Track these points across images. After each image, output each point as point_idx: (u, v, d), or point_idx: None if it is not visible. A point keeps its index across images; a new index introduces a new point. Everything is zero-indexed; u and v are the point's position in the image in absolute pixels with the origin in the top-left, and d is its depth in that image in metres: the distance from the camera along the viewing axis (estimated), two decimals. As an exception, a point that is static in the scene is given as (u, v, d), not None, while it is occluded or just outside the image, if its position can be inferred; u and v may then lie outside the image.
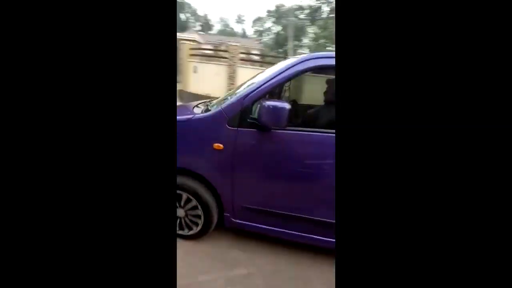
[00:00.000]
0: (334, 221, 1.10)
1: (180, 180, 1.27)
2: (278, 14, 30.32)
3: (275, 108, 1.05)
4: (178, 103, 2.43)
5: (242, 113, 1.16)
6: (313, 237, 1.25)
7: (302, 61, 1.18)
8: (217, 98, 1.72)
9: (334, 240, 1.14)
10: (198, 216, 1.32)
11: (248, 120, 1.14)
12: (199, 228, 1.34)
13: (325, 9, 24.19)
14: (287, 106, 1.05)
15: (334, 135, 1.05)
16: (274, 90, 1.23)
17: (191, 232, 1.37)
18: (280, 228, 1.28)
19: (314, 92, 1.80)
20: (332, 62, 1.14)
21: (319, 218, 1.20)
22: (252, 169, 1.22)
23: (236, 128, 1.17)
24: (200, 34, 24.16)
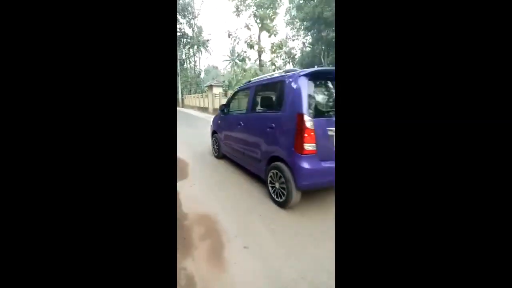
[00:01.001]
0: (251, 154, 2.61)
1: (214, 134, 3.98)
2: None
3: (220, 106, 3.77)
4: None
5: (221, 110, 3.65)
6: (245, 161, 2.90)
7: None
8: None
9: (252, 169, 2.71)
10: (216, 146, 3.91)
11: (223, 111, 3.60)
12: (217, 153, 3.91)
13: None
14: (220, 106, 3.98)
15: (243, 114, 2.97)
16: (228, 102, 3.65)
17: (215, 154, 3.97)
18: (235, 155, 3.19)
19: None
20: (244, 86, 3.30)
21: (242, 150, 2.85)
22: (224, 129, 3.54)
23: (221, 115, 3.66)
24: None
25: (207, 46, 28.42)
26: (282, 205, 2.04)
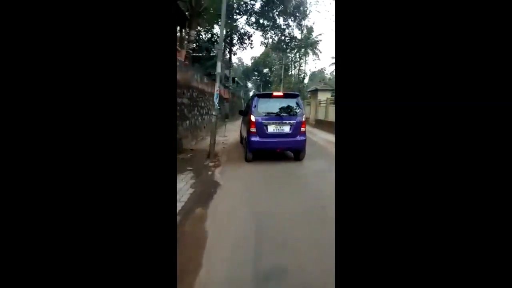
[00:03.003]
0: (243, 136, 5.42)
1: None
2: None
3: (239, 111, 6.29)
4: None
5: (239, 113, 6.01)
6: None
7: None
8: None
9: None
10: (239, 136, 6.77)
11: (241, 114, 5.96)
12: (240, 140, 6.57)
13: None
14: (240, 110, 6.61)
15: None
16: (244, 108, 6.60)
17: (239, 140, 6.66)
18: (242, 138, 5.83)
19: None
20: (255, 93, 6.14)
21: (242, 135, 5.76)
22: (242, 124, 5.95)
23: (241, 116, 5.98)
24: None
25: (315, 48, 25.80)
26: (246, 160, 4.41)
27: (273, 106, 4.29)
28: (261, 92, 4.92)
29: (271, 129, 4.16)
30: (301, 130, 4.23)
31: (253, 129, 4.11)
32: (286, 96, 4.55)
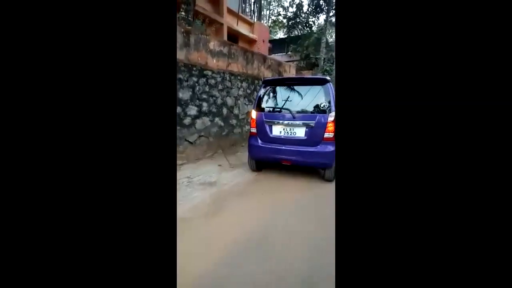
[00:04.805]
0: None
1: None
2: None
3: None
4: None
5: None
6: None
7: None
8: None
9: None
10: None
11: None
12: None
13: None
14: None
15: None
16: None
17: None
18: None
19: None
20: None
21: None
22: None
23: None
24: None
25: None
26: (252, 169, 3.25)
27: (284, 97, 2.86)
28: (270, 78, 3.58)
29: (276, 131, 2.79)
30: (326, 135, 2.55)
31: (253, 129, 2.93)
32: (306, 82, 2.90)
